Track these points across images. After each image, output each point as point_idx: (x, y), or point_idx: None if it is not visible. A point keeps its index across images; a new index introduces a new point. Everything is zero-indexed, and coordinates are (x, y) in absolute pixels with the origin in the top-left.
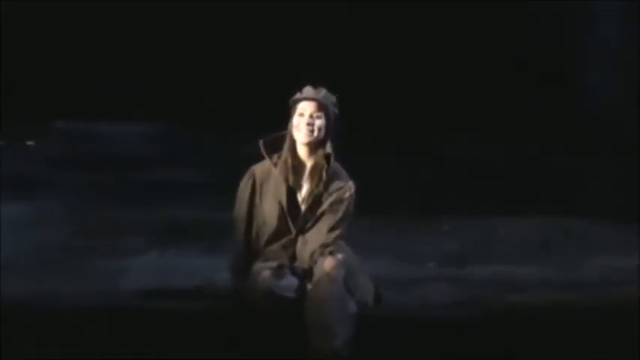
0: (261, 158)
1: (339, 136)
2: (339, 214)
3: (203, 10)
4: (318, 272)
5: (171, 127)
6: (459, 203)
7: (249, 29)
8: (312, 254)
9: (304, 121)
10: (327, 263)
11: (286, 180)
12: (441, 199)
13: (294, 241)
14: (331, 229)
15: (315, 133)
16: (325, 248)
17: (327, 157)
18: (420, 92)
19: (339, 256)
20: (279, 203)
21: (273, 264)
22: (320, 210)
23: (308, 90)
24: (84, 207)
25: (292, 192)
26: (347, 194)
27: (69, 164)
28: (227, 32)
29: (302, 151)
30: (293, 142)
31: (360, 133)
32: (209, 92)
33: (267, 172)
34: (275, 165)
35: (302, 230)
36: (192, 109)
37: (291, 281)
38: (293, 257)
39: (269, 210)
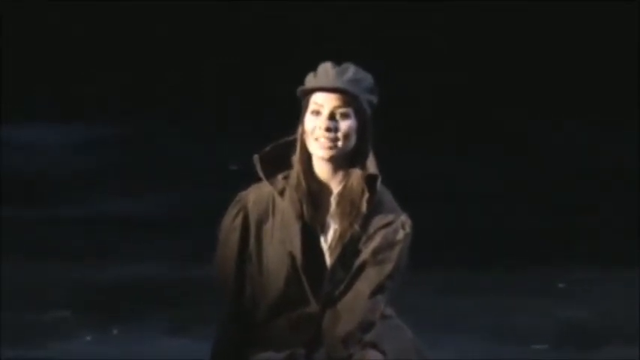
0: (258, 178)
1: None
2: (389, 267)
3: None
4: None
5: (116, 131)
6: (582, 245)
7: None
8: (346, 339)
9: (322, 123)
10: None
11: (300, 216)
12: (552, 239)
13: (315, 316)
14: (376, 292)
15: (341, 143)
16: (368, 330)
17: (369, 179)
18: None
19: (387, 347)
20: (290, 255)
21: (281, 354)
22: (357, 262)
23: (325, 71)
24: None
25: (311, 235)
26: (400, 234)
27: None
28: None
29: (322, 170)
30: (307, 157)
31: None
32: (176, 75)
33: (268, 203)
34: (281, 193)
35: (329, 298)
36: (150, 100)
37: None
38: (313, 341)
39: (273, 264)
